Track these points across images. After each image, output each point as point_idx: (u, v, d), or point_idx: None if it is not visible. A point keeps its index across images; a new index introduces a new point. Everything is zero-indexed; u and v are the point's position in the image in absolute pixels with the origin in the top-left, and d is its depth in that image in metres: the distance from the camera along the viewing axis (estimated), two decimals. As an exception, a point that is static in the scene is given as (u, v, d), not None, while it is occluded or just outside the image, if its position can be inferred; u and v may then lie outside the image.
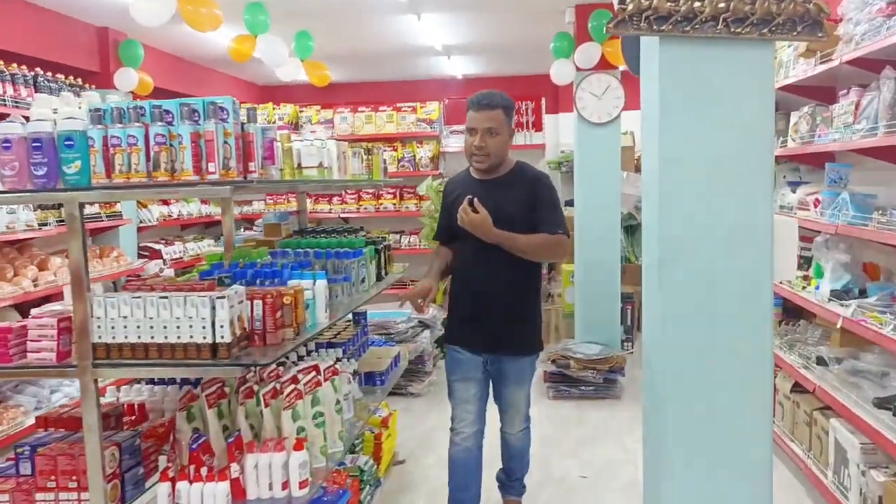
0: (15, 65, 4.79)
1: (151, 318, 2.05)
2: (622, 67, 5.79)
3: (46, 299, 5.01)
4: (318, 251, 3.01)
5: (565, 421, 4.85)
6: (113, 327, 2.06)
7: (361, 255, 3.07)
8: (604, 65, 5.72)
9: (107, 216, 5.53)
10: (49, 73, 5.11)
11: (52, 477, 2.17)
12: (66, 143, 2.06)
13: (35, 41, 5.20)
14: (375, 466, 3.67)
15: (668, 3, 1.96)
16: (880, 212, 3.05)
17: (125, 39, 6.05)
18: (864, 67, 3.27)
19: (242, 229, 6.97)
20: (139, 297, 2.05)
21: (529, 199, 2.94)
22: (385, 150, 6.11)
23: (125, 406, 2.67)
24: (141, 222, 6.41)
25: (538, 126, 8.23)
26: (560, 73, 5.99)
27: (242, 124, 2.16)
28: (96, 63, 5.92)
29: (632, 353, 6.23)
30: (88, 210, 5.25)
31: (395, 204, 7.79)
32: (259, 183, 2.20)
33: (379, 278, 3.41)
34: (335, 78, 7.67)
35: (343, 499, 2.99)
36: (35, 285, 4.64)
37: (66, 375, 2.15)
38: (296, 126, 7.72)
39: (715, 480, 2.15)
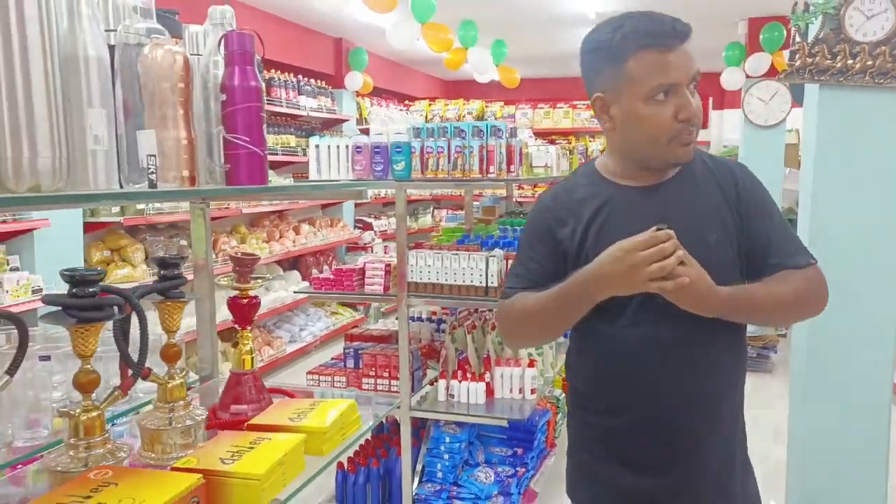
0: (287, 73, 6.13)
1: (446, 267, 3.10)
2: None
3: (299, 258, 6.39)
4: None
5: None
6: (420, 271, 3.13)
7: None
8: (772, 72, 6.26)
9: (337, 193, 6.83)
10: (305, 78, 6.44)
11: (373, 369, 3.29)
12: (396, 149, 3.14)
13: (289, 51, 6.55)
14: (565, 399, 4.63)
15: (827, 61, 2.72)
16: None
17: (354, 48, 7.33)
18: None
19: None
20: (439, 253, 3.11)
21: (731, 212, 1.51)
22: (561, 144, 6.99)
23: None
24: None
25: (705, 123, 8.78)
26: (730, 79, 6.59)
27: (507, 138, 3.15)
28: (332, 67, 7.24)
29: (785, 335, 6.76)
30: (327, 188, 6.57)
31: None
32: (517, 180, 3.18)
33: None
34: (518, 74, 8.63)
35: (546, 416, 3.97)
36: (294, 245, 5.99)
37: (390, 301, 3.26)
38: (481, 120, 8.77)
39: (844, 418, 2.90)
